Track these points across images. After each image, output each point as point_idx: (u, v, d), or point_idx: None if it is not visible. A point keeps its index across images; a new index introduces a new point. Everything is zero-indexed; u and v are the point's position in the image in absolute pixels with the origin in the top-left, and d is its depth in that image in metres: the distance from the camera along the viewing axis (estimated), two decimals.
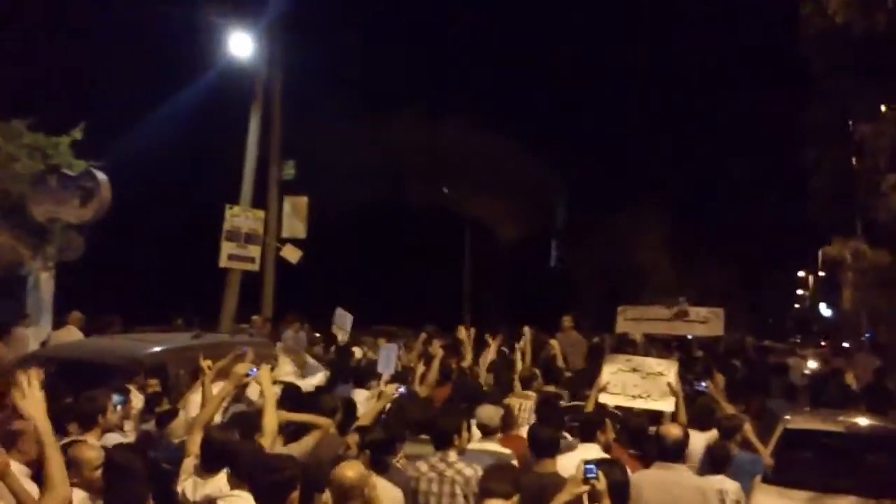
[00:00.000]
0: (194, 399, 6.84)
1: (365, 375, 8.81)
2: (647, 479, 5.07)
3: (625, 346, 13.69)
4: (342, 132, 25.80)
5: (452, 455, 5.25)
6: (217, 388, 6.11)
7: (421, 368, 9.08)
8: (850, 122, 12.82)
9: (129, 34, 20.18)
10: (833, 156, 14.40)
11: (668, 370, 6.82)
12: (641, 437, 6.17)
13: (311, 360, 8.25)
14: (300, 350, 7.85)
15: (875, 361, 14.01)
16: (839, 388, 11.03)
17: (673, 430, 5.44)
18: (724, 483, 5.65)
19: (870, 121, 11.93)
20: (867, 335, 24.28)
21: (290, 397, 6.63)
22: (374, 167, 27.92)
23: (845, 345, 26.63)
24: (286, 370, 7.30)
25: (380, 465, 5.03)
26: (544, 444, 5.08)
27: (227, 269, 16.49)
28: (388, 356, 9.35)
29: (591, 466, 4.05)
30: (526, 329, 10.71)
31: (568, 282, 37.43)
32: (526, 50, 34.10)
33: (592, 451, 5.40)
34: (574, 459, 4.65)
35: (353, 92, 26.16)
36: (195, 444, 5.09)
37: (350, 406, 6.69)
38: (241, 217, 16.25)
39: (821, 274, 43.96)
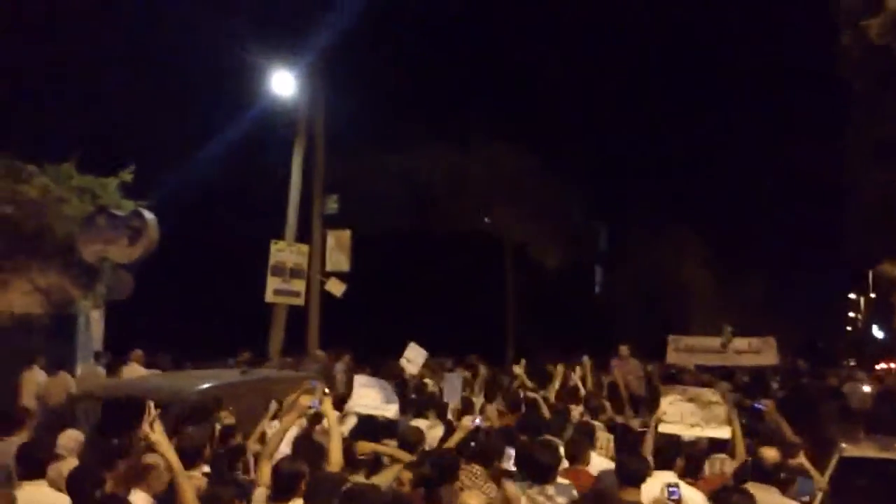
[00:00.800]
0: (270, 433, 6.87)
1: (424, 406, 8.87)
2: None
3: (676, 374, 13.65)
4: (383, 165, 25.99)
5: (550, 489, 5.29)
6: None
7: (480, 399, 9.10)
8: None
9: (174, 74, 20.56)
10: (876, 178, 14.19)
11: (722, 399, 6.91)
12: (700, 465, 6.31)
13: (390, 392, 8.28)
14: (375, 383, 7.87)
15: None
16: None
17: (770, 453, 5.68)
18: None
19: None
20: None
21: (365, 428, 6.80)
22: (415, 197, 28.05)
23: None
24: (366, 401, 7.29)
25: (433, 498, 5.10)
26: (631, 474, 5.18)
27: (274, 303, 16.67)
28: (453, 386, 9.47)
29: (675, 489, 4.53)
30: (585, 358, 10.77)
31: (613, 308, 37.10)
32: (566, 74, 34.13)
33: (669, 477, 5.51)
34: (653, 485, 5.06)
35: (394, 123, 26.33)
36: (265, 475, 5.21)
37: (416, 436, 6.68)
38: (285, 252, 16.45)
39: (872, 295, 43.11)
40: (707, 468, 6.52)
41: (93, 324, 14.76)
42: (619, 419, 8.55)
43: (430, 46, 29.11)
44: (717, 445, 6.87)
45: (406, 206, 27.42)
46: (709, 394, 7.08)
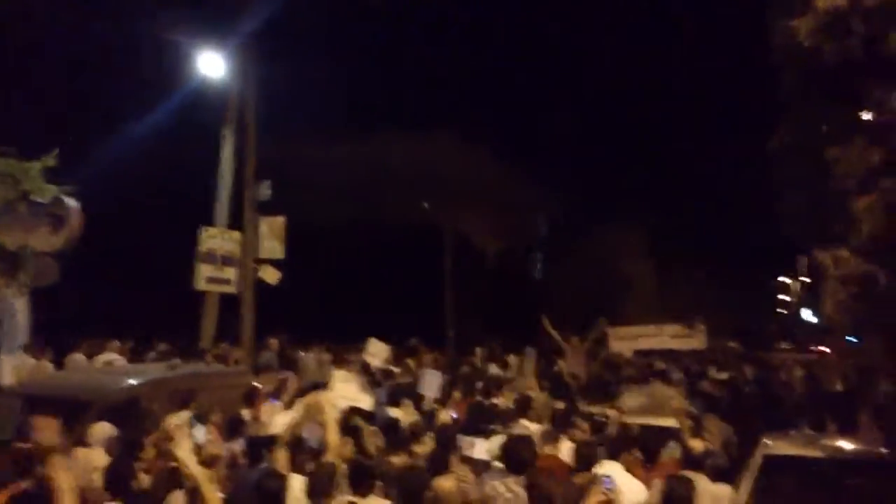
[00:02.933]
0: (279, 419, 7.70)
1: (399, 395, 9.59)
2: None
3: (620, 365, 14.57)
4: (318, 150, 25.63)
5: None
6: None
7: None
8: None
9: (99, 56, 19.94)
10: (804, 177, 14.43)
11: (675, 395, 8.04)
12: (655, 453, 6.93)
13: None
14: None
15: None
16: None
17: (696, 443, 6.69)
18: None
19: (838, 144, 11.94)
20: (852, 339, 24.29)
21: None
22: (352, 184, 27.77)
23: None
24: (344, 394, 7.54)
25: None
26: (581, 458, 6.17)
27: (205, 291, 16.33)
28: (431, 380, 10.10)
29: (608, 479, 5.09)
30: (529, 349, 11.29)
31: (551, 294, 37.35)
32: (505, 63, 34.15)
33: (616, 467, 6.17)
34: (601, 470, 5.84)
35: (329, 109, 26.04)
36: (283, 459, 5.98)
37: (395, 426, 7.58)
38: (217, 239, 16.14)
39: (803, 280, 44.23)
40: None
41: (17, 313, 14.25)
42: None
43: (370, 30, 28.82)
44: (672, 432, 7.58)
45: (344, 193, 27.14)
46: (665, 390, 8.22)
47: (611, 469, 5.96)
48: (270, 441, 6.48)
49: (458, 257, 33.08)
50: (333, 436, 6.21)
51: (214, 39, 16.76)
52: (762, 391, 15.51)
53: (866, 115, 11.28)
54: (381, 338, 16.75)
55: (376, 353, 11.53)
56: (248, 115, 17.51)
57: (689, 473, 6.01)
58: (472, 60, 32.93)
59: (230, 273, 16.24)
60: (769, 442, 7.77)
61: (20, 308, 14.16)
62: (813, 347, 37.56)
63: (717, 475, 6.55)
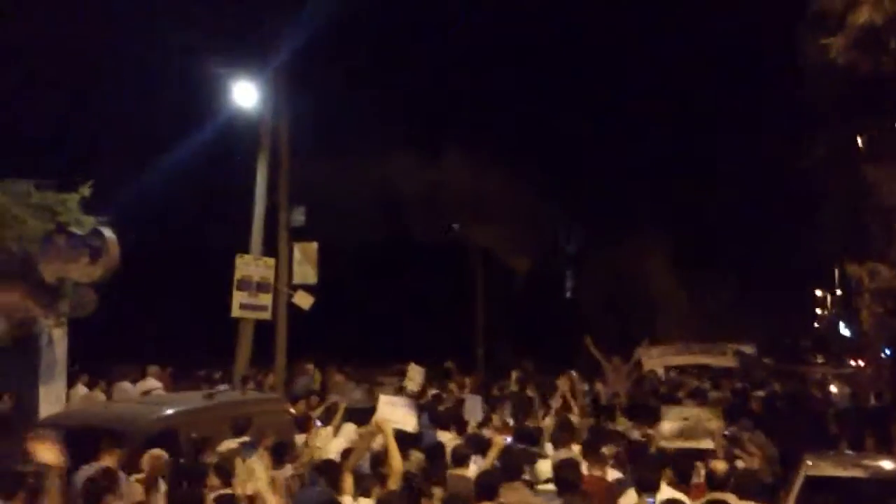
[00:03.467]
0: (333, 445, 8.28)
1: (445, 420, 9.78)
2: None
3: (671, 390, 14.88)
4: (350, 175, 25.79)
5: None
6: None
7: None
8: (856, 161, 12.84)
9: (132, 87, 20.30)
10: (840, 192, 14.36)
11: (714, 418, 7.99)
12: (688, 473, 7.00)
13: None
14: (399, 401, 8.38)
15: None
16: None
17: (719, 465, 6.58)
18: None
19: (875, 160, 11.89)
20: (887, 352, 24.04)
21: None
22: (383, 207, 27.94)
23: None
24: (390, 417, 7.57)
25: None
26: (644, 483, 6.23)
27: (240, 318, 16.49)
28: (474, 405, 10.16)
29: (651, 500, 5.40)
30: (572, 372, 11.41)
31: (581, 313, 37.21)
32: (532, 81, 34.19)
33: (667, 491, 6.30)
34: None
35: (358, 132, 26.22)
36: (349, 484, 6.23)
37: (440, 450, 7.72)
38: (251, 266, 16.28)
39: (838, 293, 43.65)
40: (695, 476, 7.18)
41: (56, 344, 14.47)
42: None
43: (397, 52, 29.03)
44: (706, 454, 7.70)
45: (374, 216, 27.30)
46: (703, 412, 8.16)
47: (670, 493, 6.16)
48: (331, 466, 6.65)
49: (487, 277, 33.07)
50: (397, 461, 6.34)
51: (246, 68, 17.00)
52: (799, 407, 15.48)
53: None
54: (413, 359, 16.93)
55: (414, 377, 11.56)
56: (281, 143, 17.74)
57: (719, 494, 6.15)
58: (501, 79, 33.06)
59: (265, 299, 16.37)
60: (810, 462, 7.76)
61: (58, 339, 14.37)
62: (848, 361, 37.14)
63: (748, 494, 6.49)
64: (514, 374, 16.60)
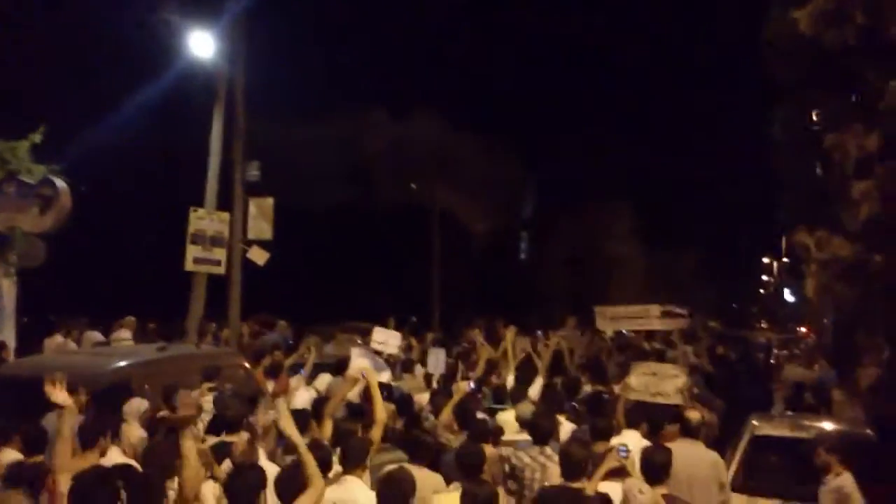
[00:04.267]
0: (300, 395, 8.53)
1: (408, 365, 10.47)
2: (676, 452, 5.88)
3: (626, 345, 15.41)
4: (307, 131, 25.55)
5: (548, 449, 6.33)
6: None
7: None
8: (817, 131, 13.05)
9: (86, 34, 19.74)
10: (800, 164, 14.62)
11: (680, 373, 8.33)
12: (660, 426, 7.23)
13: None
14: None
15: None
16: None
17: (693, 414, 7.00)
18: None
19: (835, 130, 12.07)
20: (831, 320, 24.74)
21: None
22: (340, 165, 27.74)
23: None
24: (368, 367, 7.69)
25: None
26: (601, 431, 6.69)
27: (193, 272, 16.35)
28: (437, 358, 10.73)
29: (623, 448, 5.59)
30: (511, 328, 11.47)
31: (536, 275, 37.55)
32: (492, 42, 34.10)
33: (635, 436, 6.78)
34: (619, 440, 6.38)
35: (316, 91, 25.92)
36: (328, 430, 6.42)
37: (409, 401, 8.21)
38: (205, 220, 16.10)
39: (785, 260, 44.58)
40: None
41: (4, 293, 14.22)
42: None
43: (357, 11, 28.68)
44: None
45: (332, 174, 27.10)
46: (670, 368, 8.57)
47: (629, 437, 6.60)
48: (305, 415, 6.70)
49: (444, 237, 33.15)
50: (381, 410, 6.49)
51: (204, 18, 16.65)
52: (744, 369, 16.12)
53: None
54: (368, 318, 16.99)
55: (384, 340, 11.58)
56: (237, 96, 17.46)
57: (688, 441, 6.64)
58: (458, 39, 32.89)
59: (219, 254, 16.23)
60: (756, 422, 8.01)
61: (7, 289, 14.12)
62: (792, 327, 38.15)
63: (713, 444, 7.15)
64: (477, 331, 16.74)
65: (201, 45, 16.64)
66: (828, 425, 8.25)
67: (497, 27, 33.73)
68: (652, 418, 7.32)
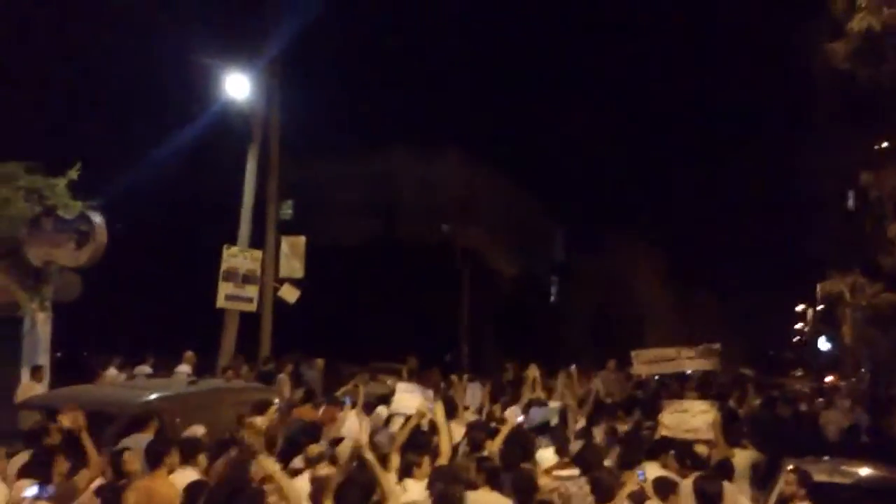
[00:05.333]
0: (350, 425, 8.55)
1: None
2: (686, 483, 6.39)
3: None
4: (340, 171, 25.84)
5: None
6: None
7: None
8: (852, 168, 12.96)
9: (126, 75, 20.23)
10: (833, 199, 14.50)
11: (711, 409, 8.65)
12: (687, 457, 7.60)
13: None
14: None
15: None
16: None
17: (701, 449, 7.76)
18: None
19: (870, 167, 11.98)
20: (868, 368, 24.29)
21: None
22: (373, 205, 27.96)
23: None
24: (408, 403, 8.10)
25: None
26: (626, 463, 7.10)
27: (225, 309, 16.47)
28: (474, 393, 10.91)
29: (641, 472, 6.19)
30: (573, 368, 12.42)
31: (567, 317, 37.32)
32: (525, 87, 34.35)
33: (655, 467, 7.04)
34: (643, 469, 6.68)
35: (349, 131, 26.22)
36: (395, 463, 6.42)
37: None
38: (238, 257, 16.27)
39: (819, 308, 43.92)
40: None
41: (39, 326, 14.41)
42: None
43: (392, 53, 29.04)
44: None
45: (363, 214, 27.31)
46: (700, 405, 8.85)
47: (648, 468, 6.82)
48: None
49: (474, 278, 33.14)
50: (447, 442, 6.79)
51: (240, 60, 17.00)
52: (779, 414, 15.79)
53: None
54: (397, 357, 17.01)
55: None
56: (271, 136, 17.74)
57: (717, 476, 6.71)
58: (498, 83, 33.16)
59: (251, 291, 16.37)
60: (791, 466, 7.82)
61: (42, 323, 14.32)
62: (826, 376, 37.46)
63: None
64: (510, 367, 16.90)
65: (237, 86, 16.97)
66: (866, 471, 8.08)
67: (530, 72, 34.00)
68: (679, 449, 7.61)
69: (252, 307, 16.60)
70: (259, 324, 17.69)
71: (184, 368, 13.68)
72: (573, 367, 12.81)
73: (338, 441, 7.34)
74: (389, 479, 5.39)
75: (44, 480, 5.50)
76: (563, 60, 35.41)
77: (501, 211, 31.70)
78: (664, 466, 7.31)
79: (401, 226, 29.56)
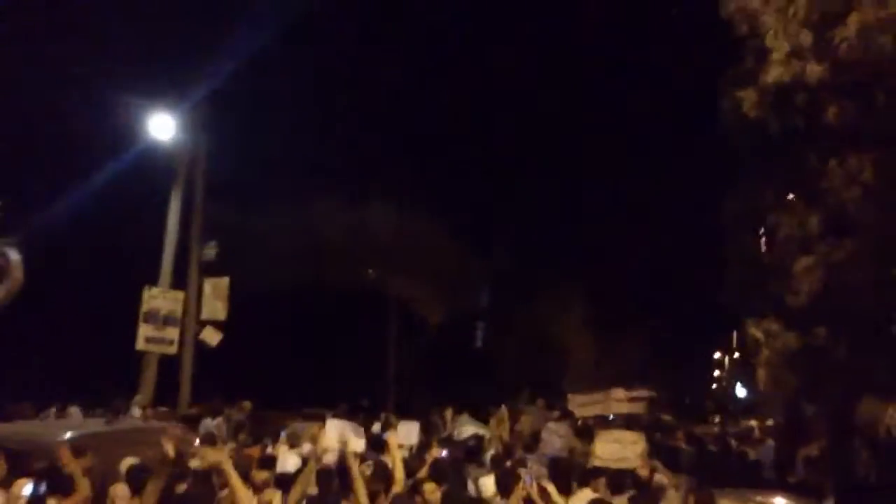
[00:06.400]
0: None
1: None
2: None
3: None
4: (266, 214, 25.69)
5: None
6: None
7: None
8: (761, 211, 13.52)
9: (50, 114, 19.89)
10: (746, 244, 15.04)
11: (640, 440, 9.22)
12: (620, 485, 8.07)
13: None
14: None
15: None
16: None
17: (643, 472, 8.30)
18: None
19: (778, 209, 12.50)
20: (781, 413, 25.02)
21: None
22: (298, 249, 27.78)
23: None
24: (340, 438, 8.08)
25: None
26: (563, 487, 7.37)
27: (145, 351, 16.13)
28: (409, 430, 10.72)
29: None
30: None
31: (493, 361, 37.52)
32: (449, 133, 34.73)
33: (587, 492, 7.49)
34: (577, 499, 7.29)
35: (275, 174, 26.19)
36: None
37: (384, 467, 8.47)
38: (159, 299, 16.03)
39: (736, 355, 45.16)
40: None
41: None
42: None
43: (317, 98, 29.19)
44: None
45: (290, 258, 27.12)
46: (630, 436, 9.46)
47: (581, 494, 7.37)
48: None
49: (401, 323, 33.14)
50: (400, 471, 7.33)
51: (165, 101, 16.93)
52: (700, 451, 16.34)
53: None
54: (322, 403, 16.87)
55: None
56: (196, 176, 17.61)
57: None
58: (423, 128, 33.51)
59: (172, 333, 16.11)
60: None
61: None
62: (743, 422, 38.30)
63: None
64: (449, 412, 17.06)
65: (162, 126, 16.87)
66: (780, 500, 8.36)
67: (455, 121, 34.46)
68: (611, 478, 8.05)
69: (173, 350, 16.31)
70: (179, 367, 17.34)
71: (135, 412, 13.56)
72: (503, 407, 13.29)
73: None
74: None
75: None
76: (491, 109, 36.07)
77: (429, 257, 31.85)
78: (595, 492, 7.74)
79: (328, 271, 29.41)
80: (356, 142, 31.44)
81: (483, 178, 36.38)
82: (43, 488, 5.92)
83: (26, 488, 5.84)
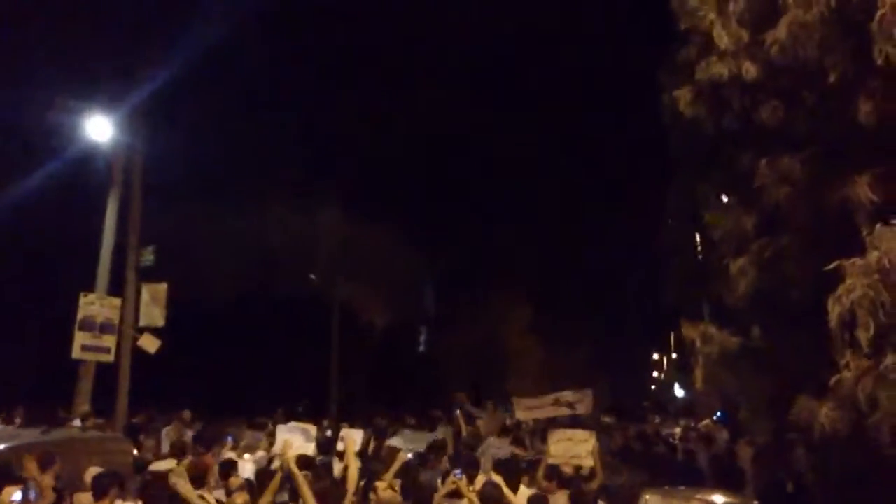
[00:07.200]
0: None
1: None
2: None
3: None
4: (206, 218, 25.29)
5: None
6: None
7: None
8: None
9: None
10: (685, 244, 15.27)
11: (591, 438, 9.51)
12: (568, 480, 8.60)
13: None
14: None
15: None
16: None
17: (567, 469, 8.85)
18: None
19: (712, 209, 12.69)
20: (719, 414, 25.53)
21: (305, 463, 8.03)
22: (239, 253, 27.44)
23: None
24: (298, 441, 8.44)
25: None
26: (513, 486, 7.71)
27: (81, 360, 15.73)
28: (354, 437, 10.53)
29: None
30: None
31: (437, 366, 37.57)
32: (394, 136, 34.68)
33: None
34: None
35: (218, 177, 25.84)
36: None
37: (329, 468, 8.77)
38: (95, 305, 15.63)
39: (674, 356, 45.93)
40: None
41: None
42: None
43: (258, 101, 28.91)
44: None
45: (232, 263, 26.76)
46: (581, 434, 9.69)
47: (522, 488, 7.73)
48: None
49: (344, 328, 32.94)
50: (354, 470, 7.62)
51: (103, 103, 16.55)
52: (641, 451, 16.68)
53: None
54: (266, 411, 16.69)
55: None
56: (133, 180, 17.25)
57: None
58: (367, 131, 33.40)
59: (109, 341, 15.72)
60: (648, 496, 8.18)
61: None
62: (681, 421, 38.96)
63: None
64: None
65: (99, 128, 16.50)
66: (719, 498, 8.51)
67: (399, 120, 34.39)
68: (560, 475, 8.51)
69: (109, 358, 15.92)
70: (116, 375, 16.94)
71: (76, 423, 13.23)
72: (458, 411, 13.56)
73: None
74: None
75: None
76: (436, 114, 36.06)
77: (373, 263, 31.74)
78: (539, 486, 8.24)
79: (271, 276, 29.11)
80: (300, 146, 31.22)
81: (428, 184, 36.43)
82: (32, 494, 5.86)
83: (15, 495, 5.75)
